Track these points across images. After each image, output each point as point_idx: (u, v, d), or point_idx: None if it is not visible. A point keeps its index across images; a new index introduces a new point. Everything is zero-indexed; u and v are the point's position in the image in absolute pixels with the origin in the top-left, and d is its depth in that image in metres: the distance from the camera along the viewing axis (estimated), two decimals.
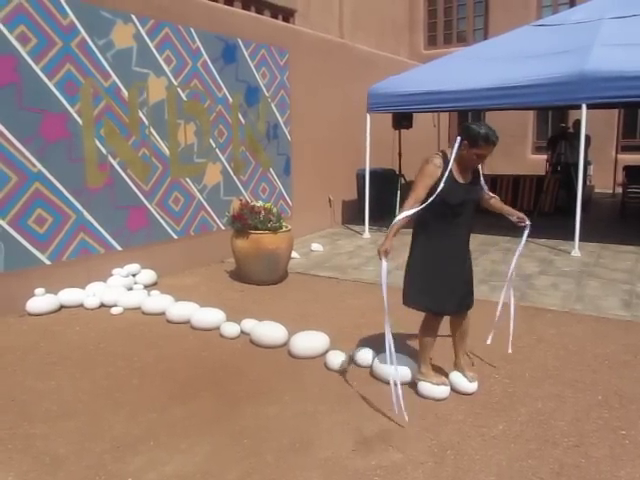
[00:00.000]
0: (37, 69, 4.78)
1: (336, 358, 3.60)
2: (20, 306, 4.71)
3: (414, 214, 2.99)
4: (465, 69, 7.57)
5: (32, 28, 4.71)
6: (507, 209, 3.41)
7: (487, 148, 2.92)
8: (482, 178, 3.16)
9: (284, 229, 5.77)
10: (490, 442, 2.74)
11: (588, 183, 10.97)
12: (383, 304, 3.03)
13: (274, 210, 5.78)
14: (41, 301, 4.76)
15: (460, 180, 3.03)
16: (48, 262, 5.00)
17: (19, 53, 4.64)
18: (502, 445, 2.72)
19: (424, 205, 2.97)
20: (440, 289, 3.09)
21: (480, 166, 3.14)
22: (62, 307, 4.88)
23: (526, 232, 3.48)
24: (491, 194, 3.32)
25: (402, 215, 2.96)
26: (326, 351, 3.74)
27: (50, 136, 4.92)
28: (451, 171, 2.99)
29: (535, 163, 13.37)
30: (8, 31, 4.55)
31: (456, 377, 3.28)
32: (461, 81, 7.21)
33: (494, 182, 10.34)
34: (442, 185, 2.92)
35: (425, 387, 3.20)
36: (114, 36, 5.37)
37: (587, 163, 9.59)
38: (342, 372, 3.52)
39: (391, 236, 2.99)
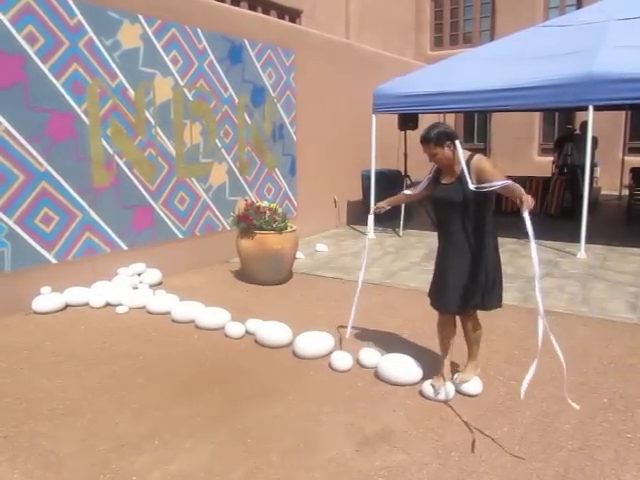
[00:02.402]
0: (44, 69, 4.80)
1: (343, 360, 3.61)
2: (26, 304, 4.74)
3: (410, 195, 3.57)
4: (471, 70, 7.55)
5: (40, 28, 4.74)
6: (514, 191, 2.82)
7: (423, 147, 3.13)
8: (468, 176, 2.96)
9: (289, 229, 5.78)
10: (494, 444, 2.74)
11: (594, 185, 10.93)
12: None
13: (279, 210, 5.79)
14: (47, 300, 4.79)
15: (442, 181, 3.19)
16: (54, 261, 5.03)
17: (27, 53, 4.67)
18: (506, 447, 2.71)
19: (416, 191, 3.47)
20: (432, 284, 3.33)
21: (465, 165, 3.01)
22: (68, 306, 4.90)
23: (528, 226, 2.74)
24: (505, 182, 2.85)
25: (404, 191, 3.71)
26: (331, 352, 3.74)
27: (57, 135, 4.94)
28: (438, 172, 3.26)
29: (541, 165, 13.33)
30: (16, 31, 4.58)
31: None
32: (467, 82, 7.19)
33: None
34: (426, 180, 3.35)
35: (429, 388, 3.19)
36: (121, 36, 5.39)
37: (594, 165, 9.55)
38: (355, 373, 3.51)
39: (390, 199, 3.74)
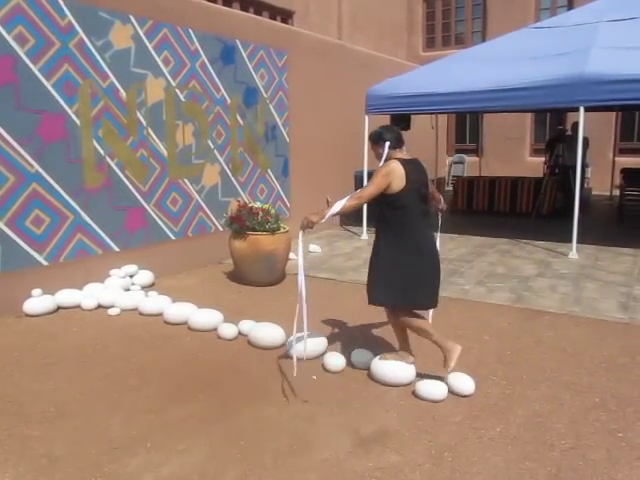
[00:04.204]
0: (35, 69, 4.77)
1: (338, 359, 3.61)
2: (17, 307, 4.70)
3: None
4: (463, 71, 7.58)
5: (30, 28, 4.70)
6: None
7: None
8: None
9: (282, 230, 5.77)
10: (487, 444, 2.74)
11: (586, 185, 11.00)
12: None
13: (272, 211, 5.78)
14: (38, 302, 4.75)
15: None
16: (45, 263, 4.99)
17: (17, 53, 4.63)
18: (499, 447, 2.72)
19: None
20: None
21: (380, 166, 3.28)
22: (59, 308, 4.87)
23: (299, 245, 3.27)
24: (346, 198, 3.23)
25: None
26: (324, 353, 3.74)
27: (48, 136, 4.91)
28: None
29: (533, 165, 13.40)
30: (6, 31, 4.54)
31: (454, 379, 3.28)
32: (459, 83, 7.21)
33: (492, 184, 10.37)
34: None
35: (423, 388, 3.20)
36: (112, 37, 5.36)
37: (585, 165, 9.61)
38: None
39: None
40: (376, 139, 3.35)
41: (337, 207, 3.14)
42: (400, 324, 3.41)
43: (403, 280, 3.22)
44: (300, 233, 3.22)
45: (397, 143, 3.31)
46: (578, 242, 6.69)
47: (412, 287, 3.22)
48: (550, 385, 3.38)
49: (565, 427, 2.89)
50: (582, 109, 6.47)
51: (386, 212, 3.24)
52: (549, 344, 4.03)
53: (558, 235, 7.52)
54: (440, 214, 3.84)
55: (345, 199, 3.16)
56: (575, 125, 8.28)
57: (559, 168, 10.07)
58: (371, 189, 3.14)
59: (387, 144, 3.27)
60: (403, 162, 3.19)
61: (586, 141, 8.34)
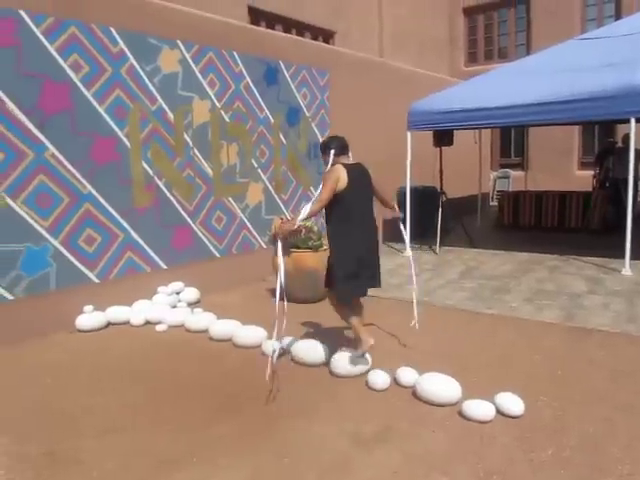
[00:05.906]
0: (88, 95, 5.00)
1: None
2: (70, 322, 4.87)
3: None
4: (507, 85, 7.48)
5: (84, 56, 4.94)
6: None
7: None
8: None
9: (325, 248, 5.78)
10: (538, 467, 2.65)
11: (639, 199, 10.60)
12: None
13: (315, 229, 5.82)
14: (89, 318, 4.91)
15: None
16: (97, 280, 5.17)
17: (72, 81, 4.87)
18: (551, 471, 2.62)
19: None
20: None
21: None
22: (109, 324, 5.02)
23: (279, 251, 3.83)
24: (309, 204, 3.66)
25: None
26: (367, 370, 3.71)
27: (100, 159, 5.11)
28: None
29: (581, 179, 13.01)
30: (63, 60, 4.79)
31: (502, 399, 3.19)
32: (503, 97, 7.12)
33: (539, 199, 10.13)
34: None
35: (470, 408, 3.12)
36: (161, 62, 5.57)
37: (637, 178, 9.28)
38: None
39: None
40: (323, 148, 3.81)
41: (304, 212, 3.56)
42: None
43: (334, 268, 3.83)
44: (279, 244, 3.74)
45: (341, 150, 3.75)
46: (632, 258, 6.44)
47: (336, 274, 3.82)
48: (604, 406, 3.24)
49: (621, 451, 2.77)
50: (633, 120, 6.28)
51: (330, 211, 3.71)
52: (602, 363, 3.88)
53: (610, 251, 7.25)
54: (402, 225, 4.55)
55: (309, 204, 3.57)
56: (626, 137, 8.02)
57: (609, 181, 9.75)
58: (326, 192, 3.55)
59: (332, 152, 3.71)
60: (346, 166, 3.63)
61: (638, 153, 8.06)
